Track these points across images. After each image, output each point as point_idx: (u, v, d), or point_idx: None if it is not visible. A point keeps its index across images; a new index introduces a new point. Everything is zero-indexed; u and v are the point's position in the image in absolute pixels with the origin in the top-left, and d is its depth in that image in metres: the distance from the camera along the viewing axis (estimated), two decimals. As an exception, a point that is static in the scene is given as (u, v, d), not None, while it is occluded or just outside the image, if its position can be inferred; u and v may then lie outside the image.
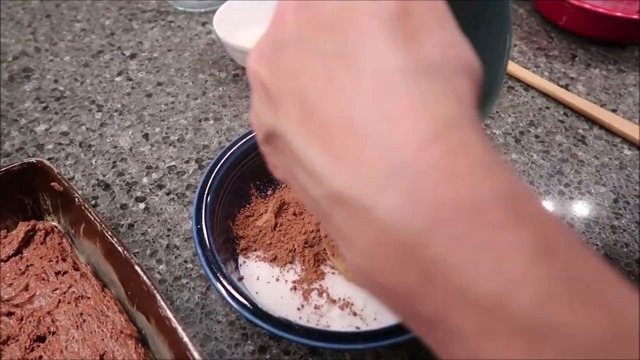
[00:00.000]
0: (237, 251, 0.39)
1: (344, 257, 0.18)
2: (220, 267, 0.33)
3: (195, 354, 0.30)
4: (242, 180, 0.41)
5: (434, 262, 0.15)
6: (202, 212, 0.36)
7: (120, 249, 0.35)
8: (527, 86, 0.61)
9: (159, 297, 0.32)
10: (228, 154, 0.40)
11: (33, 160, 0.40)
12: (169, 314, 0.31)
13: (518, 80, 0.62)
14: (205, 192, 0.38)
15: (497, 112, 0.57)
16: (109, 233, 0.36)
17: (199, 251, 0.34)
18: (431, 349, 0.17)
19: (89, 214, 0.37)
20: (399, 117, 0.15)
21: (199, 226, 0.35)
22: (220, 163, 0.39)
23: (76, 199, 0.38)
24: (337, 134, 0.16)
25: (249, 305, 0.31)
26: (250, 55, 0.21)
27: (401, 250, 0.15)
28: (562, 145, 0.53)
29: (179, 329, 0.31)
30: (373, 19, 0.17)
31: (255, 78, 0.20)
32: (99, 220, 0.36)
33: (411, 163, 0.15)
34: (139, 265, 0.34)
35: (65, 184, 0.38)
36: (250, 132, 0.41)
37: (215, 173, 0.39)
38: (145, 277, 0.33)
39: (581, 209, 0.47)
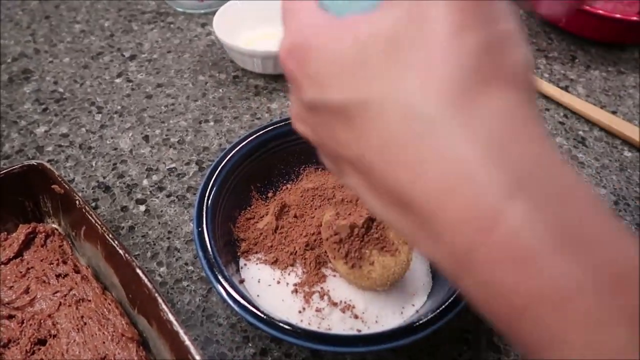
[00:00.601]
0: (238, 254, 0.39)
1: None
2: (221, 269, 0.33)
3: (197, 357, 0.30)
4: (243, 183, 0.41)
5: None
6: (203, 214, 0.36)
7: (121, 252, 0.35)
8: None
9: (160, 301, 0.32)
10: (229, 156, 0.40)
11: (34, 162, 0.40)
12: (171, 318, 0.31)
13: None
14: (206, 195, 0.38)
15: (497, 113, 0.57)
16: (110, 236, 0.36)
17: (200, 254, 0.34)
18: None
19: (89, 217, 0.37)
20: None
21: (199, 229, 0.35)
22: (221, 165, 0.39)
23: (77, 202, 0.38)
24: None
25: (250, 308, 0.31)
26: (280, 47, 0.21)
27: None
28: (562, 147, 0.53)
29: (181, 333, 0.31)
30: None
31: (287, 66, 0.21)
32: (99, 223, 0.36)
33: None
34: (140, 268, 0.34)
35: (66, 186, 0.38)
36: (250, 134, 0.41)
37: (216, 175, 0.39)
38: (146, 280, 0.33)
39: (581, 210, 0.47)
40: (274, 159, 0.43)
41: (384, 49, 0.17)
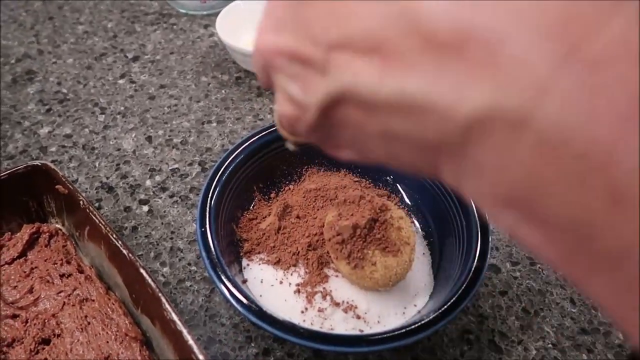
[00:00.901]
0: (241, 254, 0.39)
1: (482, 195, 0.15)
2: (224, 269, 0.34)
3: (201, 357, 0.30)
4: (246, 183, 0.42)
5: (627, 179, 0.12)
6: (206, 215, 0.36)
7: (125, 251, 0.35)
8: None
9: (164, 300, 0.32)
10: (232, 157, 0.40)
11: (37, 163, 0.40)
12: (174, 317, 0.32)
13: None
14: (209, 195, 0.38)
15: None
16: (114, 236, 0.36)
17: (203, 254, 0.34)
18: (602, 303, 0.14)
19: (93, 217, 0.37)
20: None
21: (203, 229, 0.36)
22: (224, 166, 0.40)
23: (81, 202, 0.38)
24: (459, 46, 0.13)
25: (253, 308, 0.32)
26: (261, 34, 0.18)
27: (581, 164, 0.12)
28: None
29: (184, 332, 0.31)
30: None
31: (278, 55, 0.17)
32: (103, 223, 0.37)
33: (581, 50, 0.12)
34: (143, 268, 0.34)
35: (70, 186, 0.39)
36: (253, 135, 0.42)
37: (219, 176, 0.39)
38: (150, 280, 0.33)
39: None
40: (276, 160, 0.43)
41: None
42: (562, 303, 0.40)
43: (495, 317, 0.39)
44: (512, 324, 0.38)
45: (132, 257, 0.35)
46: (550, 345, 0.37)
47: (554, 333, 0.38)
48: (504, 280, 0.42)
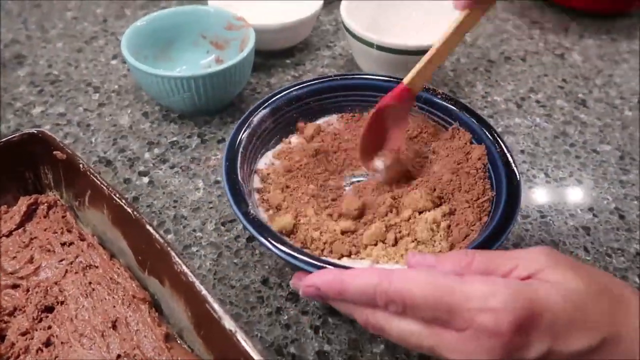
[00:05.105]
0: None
1: None
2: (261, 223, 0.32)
3: (215, 306, 0.29)
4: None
5: None
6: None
7: (129, 209, 0.34)
8: (524, 55, 0.61)
9: (173, 254, 0.31)
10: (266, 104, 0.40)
11: (34, 130, 0.39)
12: (185, 269, 0.30)
13: (514, 50, 0.62)
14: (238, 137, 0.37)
15: (497, 80, 0.57)
16: (117, 195, 0.35)
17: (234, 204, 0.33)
18: None
19: (95, 179, 0.36)
20: None
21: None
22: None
23: (80, 165, 0.37)
24: None
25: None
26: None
27: None
28: (563, 109, 0.54)
29: (197, 283, 0.29)
30: None
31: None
32: (105, 184, 0.35)
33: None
34: (149, 224, 0.33)
35: (68, 151, 0.37)
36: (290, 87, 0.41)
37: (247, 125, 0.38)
38: (157, 236, 0.32)
39: (588, 166, 0.47)
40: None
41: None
42: (576, 252, 0.40)
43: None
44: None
45: (137, 215, 0.33)
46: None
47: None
48: (516, 233, 0.41)
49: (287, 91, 0.41)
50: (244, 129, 0.37)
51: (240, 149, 0.36)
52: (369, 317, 0.26)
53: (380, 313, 0.25)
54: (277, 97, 0.40)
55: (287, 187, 0.37)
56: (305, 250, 0.33)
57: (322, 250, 0.34)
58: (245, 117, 0.38)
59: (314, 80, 0.42)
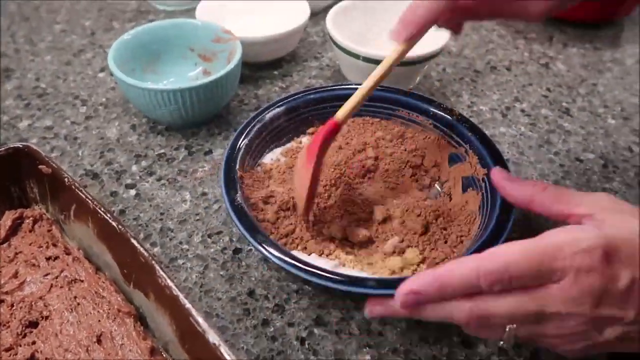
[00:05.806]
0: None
1: None
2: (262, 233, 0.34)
3: (199, 319, 0.29)
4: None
5: None
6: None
7: (114, 223, 0.34)
8: (510, 65, 0.62)
9: (157, 267, 0.31)
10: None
11: (19, 144, 0.39)
12: (169, 283, 0.30)
13: (500, 60, 0.63)
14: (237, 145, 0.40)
15: (482, 90, 0.58)
16: (102, 209, 0.35)
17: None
18: None
19: (79, 193, 0.36)
20: None
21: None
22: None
23: (66, 179, 0.37)
24: None
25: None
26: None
27: None
28: (547, 118, 0.54)
29: (181, 296, 0.30)
30: None
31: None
32: (90, 198, 0.35)
33: None
34: (134, 238, 0.33)
35: (54, 164, 0.37)
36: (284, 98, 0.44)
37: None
38: (142, 249, 0.32)
39: (572, 174, 0.48)
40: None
41: None
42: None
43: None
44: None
45: (122, 229, 0.33)
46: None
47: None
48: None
49: (303, 93, 0.45)
50: (253, 123, 0.42)
51: (246, 141, 0.40)
52: (473, 309, 0.26)
53: (484, 297, 0.26)
54: (295, 97, 0.44)
55: (284, 181, 0.41)
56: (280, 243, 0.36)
57: (297, 246, 0.37)
58: (259, 112, 0.42)
59: (334, 85, 0.46)
